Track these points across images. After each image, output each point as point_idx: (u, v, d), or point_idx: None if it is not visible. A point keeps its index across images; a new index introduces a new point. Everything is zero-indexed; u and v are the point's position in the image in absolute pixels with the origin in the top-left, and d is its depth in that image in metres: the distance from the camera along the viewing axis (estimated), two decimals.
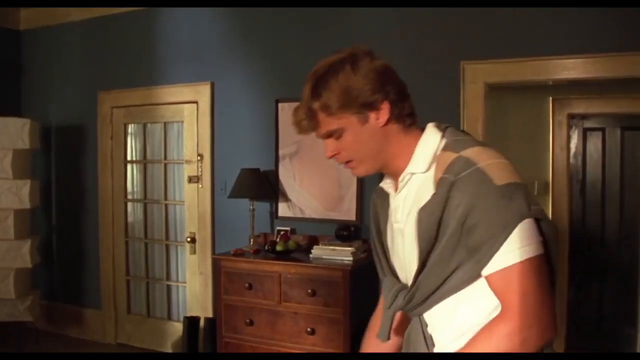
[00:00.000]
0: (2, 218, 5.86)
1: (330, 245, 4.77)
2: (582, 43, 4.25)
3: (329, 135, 1.83)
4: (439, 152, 1.77)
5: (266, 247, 4.94)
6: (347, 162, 1.87)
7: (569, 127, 5.84)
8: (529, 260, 1.59)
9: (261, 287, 4.79)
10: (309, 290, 4.58)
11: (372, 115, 1.79)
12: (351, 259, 4.61)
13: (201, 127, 5.69)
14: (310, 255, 4.79)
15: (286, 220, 5.31)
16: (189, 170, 5.77)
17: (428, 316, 1.81)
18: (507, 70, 4.54)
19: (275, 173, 5.33)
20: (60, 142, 6.67)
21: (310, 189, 5.21)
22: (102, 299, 6.40)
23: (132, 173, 6.31)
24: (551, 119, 5.78)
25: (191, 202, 5.79)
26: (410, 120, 1.86)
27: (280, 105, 5.28)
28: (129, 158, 6.28)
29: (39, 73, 6.78)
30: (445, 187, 1.65)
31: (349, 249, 4.67)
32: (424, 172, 1.78)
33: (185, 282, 5.94)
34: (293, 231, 5.23)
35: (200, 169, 5.68)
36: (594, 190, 5.99)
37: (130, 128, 6.26)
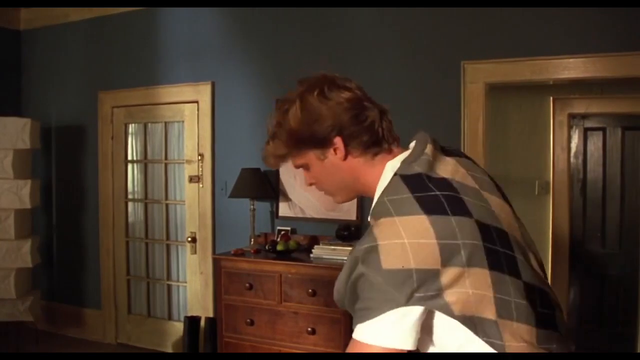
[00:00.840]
0: (3, 218, 5.86)
1: (331, 245, 4.77)
2: (582, 43, 4.25)
3: (298, 167, 1.88)
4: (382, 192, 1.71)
5: (267, 247, 4.94)
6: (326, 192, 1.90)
7: (570, 127, 5.85)
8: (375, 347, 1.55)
9: (262, 287, 4.78)
10: (310, 290, 4.58)
11: (330, 151, 1.77)
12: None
13: (202, 127, 5.69)
14: (311, 255, 4.79)
15: (287, 220, 5.31)
16: (189, 170, 5.77)
17: None
18: (508, 70, 4.54)
19: (275, 173, 5.33)
20: (61, 142, 6.67)
21: (311, 188, 5.17)
22: (103, 299, 6.40)
23: (133, 173, 6.31)
24: (552, 119, 5.79)
25: (192, 201, 5.79)
26: (377, 149, 1.79)
27: None
28: (129, 158, 6.28)
29: (39, 73, 6.78)
30: (351, 259, 1.63)
31: (350, 248, 4.66)
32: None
33: (185, 282, 5.93)
34: (293, 231, 5.23)
35: (200, 169, 5.68)
36: (594, 189, 5.99)
37: (131, 128, 6.26)
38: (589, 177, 5.99)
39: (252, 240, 5.17)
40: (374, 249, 1.54)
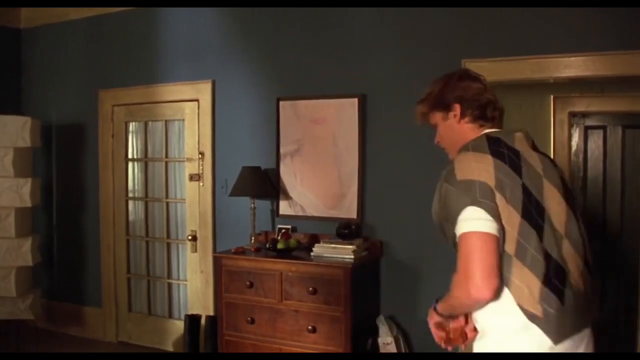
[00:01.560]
0: (3, 216, 5.86)
1: (332, 243, 4.77)
2: (582, 41, 4.25)
3: (434, 126, 2.56)
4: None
5: (267, 245, 4.94)
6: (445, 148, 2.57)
7: (570, 126, 5.83)
8: (465, 235, 2.11)
9: (262, 285, 4.79)
10: (310, 289, 4.59)
11: (450, 114, 2.46)
12: (352, 257, 4.62)
13: (202, 125, 5.69)
14: (312, 254, 4.79)
15: (287, 218, 5.31)
16: (190, 168, 5.77)
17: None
18: (509, 69, 4.54)
19: (276, 171, 5.33)
20: (61, 141, 6.67)
21: (312, 187, 5.21)
22: (103, 297, 6.41)
23: (133, 171, 6.30)
24: (552, 117, 5.78)
25: (192, 200, 5.79)
26: (482, 122, 2.43)
27: (281, 103, 5.28)
28: (130, 156, 6.28)
29: (39, 71, 6.78)
30: (439, 183, 2.33)
31: (350, 247, 4.67)
32: None
33: (186, 280, 5.94)
34: (294, 229, 5.23)
35: (201, 167, 5.68)
36: (595, 188, 5.98)
37: (131, 126, 6.26)
38: (589, 175, 5.98)
39: (253, 238, 5.17)
40: (453, 170, 2.24)
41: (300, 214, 5.26)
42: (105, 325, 6.39)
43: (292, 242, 4.90)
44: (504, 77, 4.58)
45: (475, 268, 2.06)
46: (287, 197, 5.30)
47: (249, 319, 4.84)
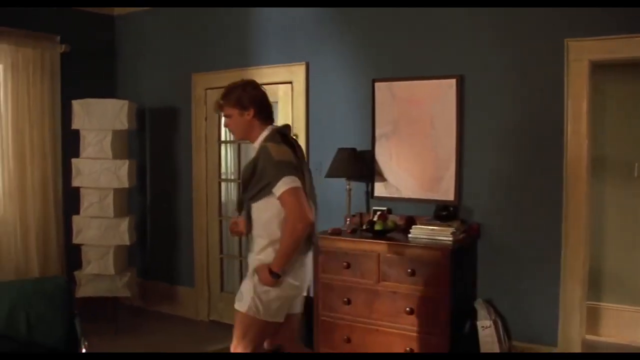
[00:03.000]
0: (102, 197, 6.03)
1: (430, 225, 4.74)
2: None
3: (227, 116, 3.64)
4: (262, 140, 3.57)
5: (364, 227, 4.95)
6: (230, 130, 3.72)
7: None
8: (287, 190, 3.33)
9: (359, 266, 4.80)
10: (409, 270, 4.57)
11: (246, 113, 3.56)
12: (451, 239, 4.58)
13: (296, 108, 5.72)
14: (409, 235, 4.77)
15: (382, 200, 5.30)
16: None
17: (254, 208, 3.52)
18: (614, 47, 4.41)
19: (371, 153, 5.32)
20: (154, 124, 6.81)
21: (408, 168, 5.18)
22: (195, 277, 6.54)
23: (226, 153, 6.39)
24: None
25: None
26: (266, 119, 3.63)
27: (376, 84, 5.26)
28: (222, 139, 6.36)
29: (133, 56, 6.93)
30: (257, 153, 3.49)
31: (449, 229, 4.63)
32: (257, 145, 3.58)
33: None
34: (389, 211, 5.21)
35: None
36: None
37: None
38: None
39: (348, 220, 5.18)
40: (270, 153, 3.38)
41: (396, 195, 5.24)
42: (198, 305, 6.52)
43: (389, 224, 4.89)
44: (610, 56, 4.48)
45: (304, 205, 3.35)
46: (383, 178, 5.29)
47: (345, 299, 4.86)
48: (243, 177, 3.53)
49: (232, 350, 3.60)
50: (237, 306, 3.60)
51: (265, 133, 3.57)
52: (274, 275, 3.41)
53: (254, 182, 3.44)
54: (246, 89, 3.58)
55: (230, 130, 3.75)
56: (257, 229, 3.55)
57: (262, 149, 3.45)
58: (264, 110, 3.60)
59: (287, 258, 3.41)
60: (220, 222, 6.40)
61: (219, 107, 3.65)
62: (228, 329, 6.14)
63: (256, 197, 3.45)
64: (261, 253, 3.52)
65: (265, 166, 3.36)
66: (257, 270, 3.48)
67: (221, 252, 6.41)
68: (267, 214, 3.47)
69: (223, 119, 3.78)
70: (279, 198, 3.34)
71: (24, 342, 4.25)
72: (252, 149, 3.65)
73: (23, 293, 4.38)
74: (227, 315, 6.30)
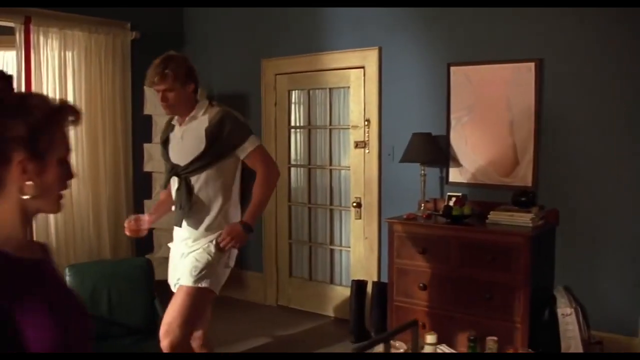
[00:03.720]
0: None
1: (509, 211, 4.67)
2: None
3: (169, 90, 3.56)
4: (208, 108, 3.67)
5: (441, 212, 4.89)
6: (169, 105, 3.61)
7: None
8: (258, 147, 3.66)
9: (436, 251, 4.76)
10: (487, 256, 4.51)
11: (187, 87, 3.60)
12: (531, 225, 4.51)
13: (368, 93, 5.68)
14: (487, 221, 4.71)
15: (457, 185, 5.24)
16: (355, 135, 5.78)
17: (201, 178, 3.58)
18: None
19: (446, 138, 5.26)
20: None
21: (484, 154, 5.11)
22: (264, 262, 6.56)
23: (296, 139, 6.39)
24: None
25: (357, 167, 5.80)
26: (196, 94, 3.68)
27: (452, 69, 5.19)
28: (292, 124, 6.36)
29: (202, 42, 6.94)
30: (219, 119, 3.58)
31: (529, 215, 4.56)
32: (202, 116, 3.64)
33: (349, 247, 5.98)
34: (464, 197, 5.15)
35: (367, 134, 5.68)
36: None
37: (294, 95, 6.33)
38: None
39: (422, 205, 5.13)
40: (235, 116, 3.64)
41: (471, 181, 5.17)
42: (266, 289, 6.55)
43: (466, 209, 4.83)
44: None
45: (272, 157, 3.87)
46: (458, 164, 5.23)
47: (420, 285, 4.82)
48: (192, 150, 3.56)
49: (177, 327, 3.48)
50: (193, 282, 3.53)
51: (204, 103, 3.69)
52: (248, 229, 3.59)
53: (213, 149, 3.53)
54: (186, 63, 3.65)
55: (167, 105, 3.61)
56: (204, 201, 3.59)
57: (226, 113, 3.60)
58: (198, 84, 3.69)
59: (261, 211, 3.79)
60: (290, 207, 6.41)
61: (161, 79, 3.54)
62: (297, 314, 6.24)
63: (210, 164, 3.55)
64: (210, 227, 3.60)
65: (233, 129, 3.55)
66: (226, 234, 3.56)
67: (290, 237, 6.42)
68: (219, 181, 3.59)
69: (158, 94, 3.61)
70: (249, 155, 3.60)
71: (106, 321, 4.34)
72: (184, 123, 3.68)
73: (105, 274, 4.48)
74: (296, 301, 6.34)
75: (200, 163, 3.55)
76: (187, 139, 3.64)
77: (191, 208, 3.60)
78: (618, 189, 4.62)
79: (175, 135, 3.74)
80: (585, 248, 4.76)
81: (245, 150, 3.58)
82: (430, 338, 4.17)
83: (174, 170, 3.66)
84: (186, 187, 3.58)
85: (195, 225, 3.63)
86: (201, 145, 3.54)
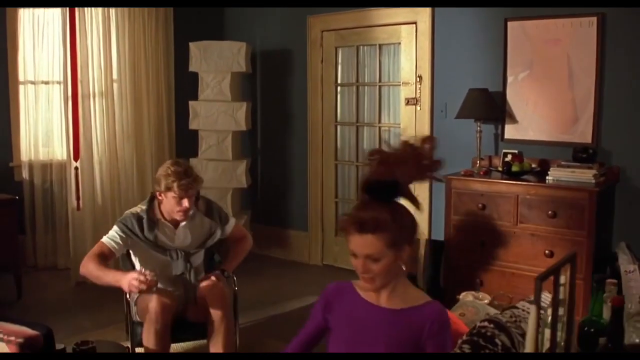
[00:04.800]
0: (221, 139, 6.07)
1: (570, 167, 4.61)
2: None
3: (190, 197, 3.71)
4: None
5: (499, 168, 4.85)
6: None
7: None
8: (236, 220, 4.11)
9: (496, 207, 4.72)
10: (549, 212, 4.47)
11: None
12: (593, 181, 4.46)
13: (420, 49, 5.59)
14: (548, 177, 4.66)
15: (512, 142, 5.17)
16: (406, 92, 5.71)
17: (197, 255, 3.87)
18: None
19: (502, 94, 5.18)
20: (265, 66, 6.75)
21: (542, 110, 5.03)
22: (309, 221, 6.54)
23: (343, 96, 6.32)
24: None
25: (408, 124, 5.74)
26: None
27: (509, 24, 5.10)
28: (339, 81, 6.28)
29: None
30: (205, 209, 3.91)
31: (591, 171, 4.51)
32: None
33: None
34: (521, 154, 5.08)
35: (418, 91, 5.60)
36: None
37: (341, 51, 6.24)
38: None
39: (478, 162, 5.08)
40: (211, 200, 4.03)
41: (528, 138, 5.11)
42: (311, 249, 6.54)
43: (525, 165, 4.78)
44: None
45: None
46: (514, 120, 5.16)
47: (480, 241, 4.79)
48: (197, 243, 3.85)
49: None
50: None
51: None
52: (226, 274, 3.86)
53: (212, 236, 3.89)
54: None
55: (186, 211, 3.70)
56: (200, 273, 3.88)
57: (207, 202, 3.93)
58: None
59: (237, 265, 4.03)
60: (336, 165, 6.36)
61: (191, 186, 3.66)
62: (342, 273, 6.21)
63: (205, 244, 3.89)
64: None
65: (221, 215, 3.94)
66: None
67: (336, 195, 6.39)
68: (202, 255, 3.93)
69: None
70: (231, 232, 3.97)
71: None
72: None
73: None
74: (342, 259, 6.31)
75: (201, 247, 3.95)
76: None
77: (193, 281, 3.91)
78: None
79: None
80: None
81: (229, 227, 3.99)
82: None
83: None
84: (191, 268, 3.85)
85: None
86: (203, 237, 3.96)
